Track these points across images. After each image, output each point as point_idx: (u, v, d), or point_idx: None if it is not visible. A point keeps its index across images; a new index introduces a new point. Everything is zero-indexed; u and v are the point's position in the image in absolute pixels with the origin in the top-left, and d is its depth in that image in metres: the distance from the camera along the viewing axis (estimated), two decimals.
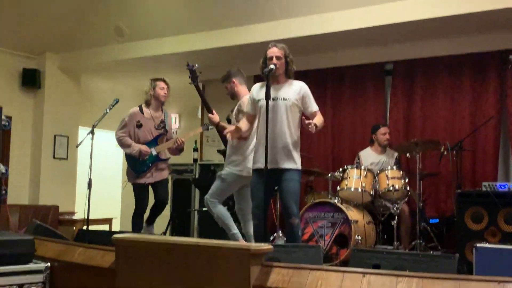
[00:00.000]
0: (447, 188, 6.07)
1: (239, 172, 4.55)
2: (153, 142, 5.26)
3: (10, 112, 7.25)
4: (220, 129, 4.74)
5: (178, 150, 5.32)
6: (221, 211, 4.60)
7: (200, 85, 5.04)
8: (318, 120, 4.14)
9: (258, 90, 4.25)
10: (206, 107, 4.98)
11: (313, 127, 3.94)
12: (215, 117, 4.78)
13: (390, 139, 6.07)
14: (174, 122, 8.93)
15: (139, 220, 5.28)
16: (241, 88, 4.79)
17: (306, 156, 6.37)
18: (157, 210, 5.35)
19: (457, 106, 6.18)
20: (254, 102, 4.24)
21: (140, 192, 5.29)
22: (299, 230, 4.24)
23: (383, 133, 6.03)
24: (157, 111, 5.35)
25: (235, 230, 4.53)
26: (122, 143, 5.30)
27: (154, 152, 5.20)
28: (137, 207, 5.30)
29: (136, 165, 5.27)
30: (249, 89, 4.46)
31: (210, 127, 5.27)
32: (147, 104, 5.35)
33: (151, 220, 5.37)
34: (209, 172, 7.40)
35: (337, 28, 5.87)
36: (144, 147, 5.18)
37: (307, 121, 3.96)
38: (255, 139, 4.41)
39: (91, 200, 5.09)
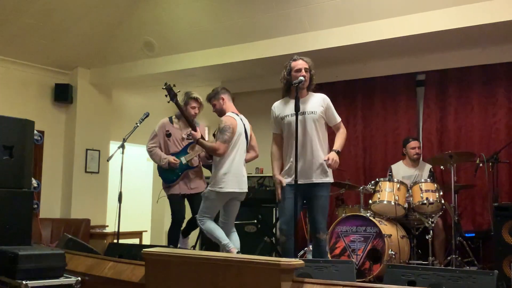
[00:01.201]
0: (483, 201, 5.92)
1: (219, 189, 4.52)
2: (183, 152, 5.26)
3: (43, 127, 7.38)
4: (203, 146, 4.73)
5: (206, 158, 5.32)
6: (209, 226, 4.57)
7: (179, 102, 5.03)
8: (341, 140, 4.16)
9: (281, 107, 4.25)
10: (189, 123, 4.99)
11: (335, 162, 3.99)
12: (197, 133, 4.75)
13: (421, 152, 5.96)
14: (207, 132, 8.91)
15: (176, 232, 5.25)
16: (229, 105, 4.81)
17: (337, 168, 6.29)
18: (193, 224, 5.32)
19: (492, 117, 6.04)
20: (278, 120, 4.23)
21: (175, 203, 5.27)
22: (327, 245, 4.19)
23: (412, 147, 5.93)
24: (187, 127, 5.36)
25: (225, 240, 4.49)
26: (152, 155, 5.33)
27: (184, 160, 5.21)
28: (173, 218, 5.29)
29: (166, 175, 5.29)
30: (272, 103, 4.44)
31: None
32: (178, 116, 5.38)
33: (186, 233, 5.35)
34: None
35: (367, 39, 5.81)
36: (172, 158, 5.20)
37: (326, 162, 4.00)
38: (232, 156, 4.51)
39: (121, 213, 5.13)
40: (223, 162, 4.56)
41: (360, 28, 5.84)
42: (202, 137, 4.78)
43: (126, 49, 7.45)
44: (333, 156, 4.01)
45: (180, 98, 5.31)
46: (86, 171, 7.87)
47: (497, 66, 6.03)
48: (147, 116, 5.50)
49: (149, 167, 9.48)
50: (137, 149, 9.04)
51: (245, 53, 6.66)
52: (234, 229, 4.81)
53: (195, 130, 4.81)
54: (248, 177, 6.96)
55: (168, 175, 5.26)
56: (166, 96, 4.93)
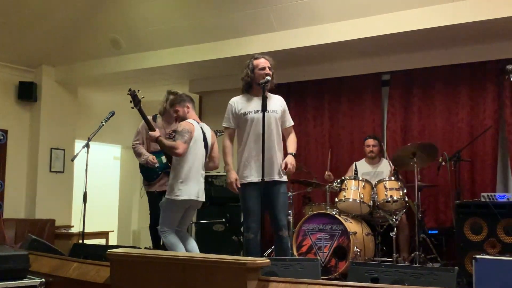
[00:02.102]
0: (445, 198, 6.05)
1: (175, 197, 4.45)
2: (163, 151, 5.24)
3: (6, 126, 7.24)
4: (162, 143, 4.70)
5: None
6: (171, 241, 4.45)
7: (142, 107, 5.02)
8: (294, 144, 4.26)
9: (243, 103, 4.26)
10: (150, 128, 4.98)
11: (292, 166, 4.06)
12: (156, 132, 4.75)
13: (377, 150, 6.03)
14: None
15: (153, 226, 5.19)
16: (192, 114, 4.77)
17: (304, 167, 6.35)
18: None
19: (455, 117, 6.17)
20: (239, 115, 4.24)
21: (152, 201, 5.27)
22: (289, 242, 4.24)
23: (367, 145, 6.06)
24: (169, 123, 5.36)
25: None
26: (134, 152, 5.37)
27: (164, 159, 5.18)
28: (150, 217, 5.29)
29: (147, 173, 5.32)
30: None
31: (219, 134, 5.29)
32: (161, 114, 5.42)
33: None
34: (206, 184, 7.34)
35: (334, 39, 5.87)
36: (151, 157, 5.20)
37: (285, 169, 4.06)
38: (189, 163, 4.45)
39: (87, 213, 5.07)
40: (180, 169, 4.48)
41: (327, 28, 5.90)
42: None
43: (92, 46, 7.35)
44: (291, 160, 4.08)
45: (162, 98, 5.35)
46: (50, 171, 7.74)
47: (460, 67, 6.16)
48: (113, 115, 5.46)
49: (116, 166, 9.39)
50: (104, 148, 8.95)
51: (214, 52, 6.65)
52: (191, 237, 4.77)
53: (154, 130, 4.79)
54: (216, 176, 7.05)
55: (149, 173, 5.28)
56: (130, 102, 4.92)
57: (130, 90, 4.89)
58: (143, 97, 4.99)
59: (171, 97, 5.26)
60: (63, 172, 7.88)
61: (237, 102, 4.29)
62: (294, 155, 4.13)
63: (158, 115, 5.45)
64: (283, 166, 4.07)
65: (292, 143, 4.24)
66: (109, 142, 8.74)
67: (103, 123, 5.36)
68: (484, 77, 6.03)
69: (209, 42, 6.65)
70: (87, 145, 5.22)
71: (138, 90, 4.95)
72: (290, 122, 4.33)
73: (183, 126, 4.54)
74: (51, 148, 7.76)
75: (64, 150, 7.90)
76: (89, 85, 8.27)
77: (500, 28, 5.38)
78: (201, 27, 6.56)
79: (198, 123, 4.69)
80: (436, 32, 5.48)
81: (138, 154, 5.31)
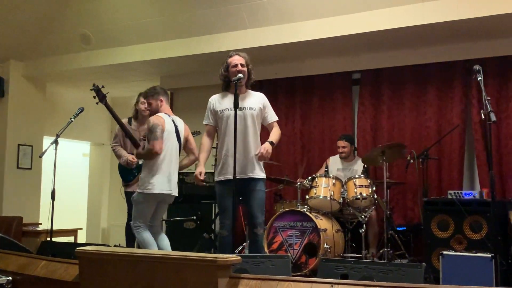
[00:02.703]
0: (413, 196, 6.14)
1: (147, 191, 4.44)
2: None
3: None
4: (140, 156, 4.78)
5: None
6: (144, 238, 4.43)
7: (108, 104, 5.08)
8: (276, 135, 4.22)
9: (219, 100, 4.27)
10: (118, 123, 5.07)
11: (267, 153, 4.02)
12: (130, 156, 4.97)
13: (348, 151, 6.04)
14: None
15: (128, 225, 5.16)
16: (165, 108, 4.75)
17: (276, 164, 6.37)
18: None
19: (423, 115, 6.27)
20: (216, 113, 4.24)
21: (129, 201, 5.22)
22: (263, 241, 4.26)
23: (338, 146, 6.10)
24: (143, 124, 5.31)
25: None
26: (115, 153, 5.42)
27: (140, 162, 5.15)
28: (128, 214, 5.23)
29: (124, 174, 5.38)
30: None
31: (194, 135, 5.30)
32: (134, 118, 5.47)
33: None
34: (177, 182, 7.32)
35: (306, 38, 5.91)
36: (131, 157, 5.21)
37: (258, 154, 4.02)
38: (160, 156, 4.43)
39: (56, 210, 4.99)
40: (152, 163, 4.45)
41: (298, 27, 5.94)
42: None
43: (61, 41, 7.23)
44: (267, 146, 4.04)
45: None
46: (18, 167, 7.59)
47: (428, 66, 6.25)
48: (82, 111, 5.39)
49: (85, 163, 9.26)
50: (72, 144, 8.82)
51: (185, 48, 6.63)
52: (163, 232, 4.75)
53: (128, 134, 4.89)
54: (187, 173, 7.01)
55: (126, 174, 5.35)
56: (94, 97, 4.92)
57: (94, 85, 4.90)
58: (108, 92, 5.01)
59: (138, 98, 5.29)
60: (30, 168, 7.74)
61: (215, 100, 4.29)
62: (272, 144, 4.09)
63: (132, 119, 5.50)
64: (257, 151, 4.06)
65: (273, 134, 4.21)
66: (78, 138, 8.62)
67: (72, 119, 5.29)
68: (452, 77, 6.14)
69: (180, 38, 6.62)
70: (55, 142, 5.14)
71: (102, 86, 4.95)
72: (272, 117, 4.30)
73: (152, 122, 4.49)
74: (19, 145, 7.62)
75: (32, 146, 7.76)
76: (58, 80, 8.13)
77: (468, 29, 5.49)
78: (172, 23, 6.52)
79: (169, 116, 4.65)
80: (405, 32, 5.56)
81: (118, 156, 5.37)
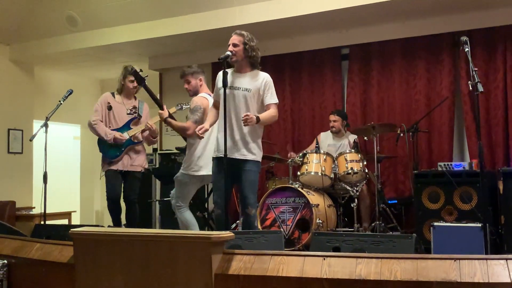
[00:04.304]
0: (404, 169, 6.19)
1: (193, 173, 4.50)
2: (125, 127, 5.14)
3: None
4: (171, 125, 4.69)
5: (152, 137, 5.23)
6: (186, 218, 4.54)
7: (147, 80, 5.00)
8: (265, 114, 4.07)
9: (221, 78, 4.20)
10: (157, 104, 4.93)
11: (251, 121, 3.89)
12: (164, 112, 4.68)
13: (339, 125, 6.07)
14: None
15: (114, 208, 5.11)
16: (204, 87, 4.77)
17: (267, 142, 6.38)
18: (131, 210, 5.21)
19: (413, 89, 6.28)
20: (217, 89, 4.21)
21: (110, 179, 5.09)
22: (256, 220, 4.27)
23: (329, 120, 6.11)
24: (129, 99, 5.25)
25: None
26: (95, 129, 5.10)
27: (127, 135, 5.10)
28: (107, 197, 5.12)
29: (109, 150, 5.12)
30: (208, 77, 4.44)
31: (184, 106, 5.15)
32: (119, 92, 5.27)
33: (131, 221, 5.20)
34: (169, 162, 7.33)
35: (293, 13, 5.88)
36: (118, 134, 5.05)
37: (243, 117, 3.90)
38: (205, 138, 4.41)
39: (48, 194, 4.99)
40: (197, 144, 4.48)
41: (286, 3, 5.90)
42: (170, 116, 4.66)
43: (47, 23, 7.13)
44: (253, 116, 3.92)
45: (118, 75, 5.25)
46: (9, 152, 7.55)
47: (417, 39, 6.24)
48: (71, 93, 5.33)
49: (76, 145, 9.22)
50: (63, 127, 8.78)
51: (173, 28, 6.57)
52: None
53: (162, 109, 4.69)
54: (178, 153, 7.01)
55: (111, 150, 5.11)
56: (132, 81, 4.92)
57: (131, 69, 4.85)
58: (147, 76, 4.95)
59: (127, 73, 5.13)
60: (21, 153, 7.70)
61: (219, 76, 4.16)
62: (258, 119, 3.95)
63: (115, 92, 5.28)
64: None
65: (265, 113, 4.08)
66: (68, 121, 8.57)
67: (61, 102, 5.24)
68: (441, 50, 6.13)
69: (168, 17, 6.55)
70: (45, 125, 5.10)
71: (140, 70, 4.91)
72: (268, 100, 4.12)
73: (195, 103, 4.51)
74: (9, 129, 7.57)
75: (22, 130, 7.72)
76: (46, 63, 8.05)
77: (454, 1, 5.47)
78: (159, 2, 6.45)
79: (210, 95, 4.63)
80: (392, 5, 5.54)
81: (101, 131, 5.07)
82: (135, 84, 5.14)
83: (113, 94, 5.27)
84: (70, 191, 8.95)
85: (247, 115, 3.90)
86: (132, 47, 7.18)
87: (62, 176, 8.47)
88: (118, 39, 6.93)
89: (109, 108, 5.16)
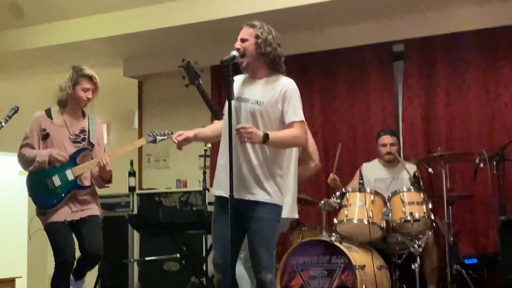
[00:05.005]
0: (486, 214, 6.11)
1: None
2: (70, 163, 5.00)
3: None
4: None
5: (102, 179, 5.07)
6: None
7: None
8: (282, 133, 3.95)
9: (236, 84, 4.07)
10: (213, 112, 4.89)
11: (250, 136, 3.74)
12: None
13: (398, 150, 6.08)
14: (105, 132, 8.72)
15: (62, 278, 5.00)
16: None
17: None
18: (85, 264, 5.10)
19: (496, 99, 6.24)
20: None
21: (58, 236, 4.95)
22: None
23: (382, 144, 6.07)
24: (75, 116, 5.13)
25: None
26: (23, 160, 5.06)
27: (70, 175, 4.96)
28: (56, 260, 4.99)
29: (43, 195, 5.00)
30: None
31: (158, 138, 5.12)
32: (61, 104, 5.12)
33: (80, 273, 5.09)
34: (152, 205, 7.29)
35: None
36: (55, 151, 4.90)
37: (240, 128, 3.74)
38: (292, 168, 4.65)
39: None
40: (285, 174, 4.31)
41: None
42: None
43: None
44: (256, 130, 3.76)
45: (63, 82, 5.13)
46: None
47: (500, 30, 6.21)
48: (16, 111, 5.26)
49: (22, 183, 9.22)
50: (6, 159, 8.80)
51: (155, 20, 6.66)
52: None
53: (217, 118, 4.51)
54: (165, 193, 6.98)
55: (46, 197, 4.98)
56: (183, 78, 4.69)
57: (183, 61, 4.72)
58: (203, 71, 4.82)
59: (78, 77, 4.95)
60: None
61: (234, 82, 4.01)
62: (266, 136, 3.75)
63: (53, 108, 5.13)
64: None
65: (281, 132, 3.93)
66: (11, 151, 8.58)
67: (3, 124, 5.18)
68: None
69: (148, 5, 6.61)
70: None
71: (195, 62, 4.75)
72: (290, 118, 3.95)
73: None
74: None
75: None
76: None
77: None
78: None
79: None
80: None
81: (29, 160, 4.97)
82: (90, 95, 4.98)
83: (48, 111, 5.12)
84: (14, 249, 8.93)
85: (243, 127, 3.74)
86: (99, 46, 7.26)
87: (4, 228, 8.47)
88: (81, 35, 7.01)
89: (45, 136, 5.02)
